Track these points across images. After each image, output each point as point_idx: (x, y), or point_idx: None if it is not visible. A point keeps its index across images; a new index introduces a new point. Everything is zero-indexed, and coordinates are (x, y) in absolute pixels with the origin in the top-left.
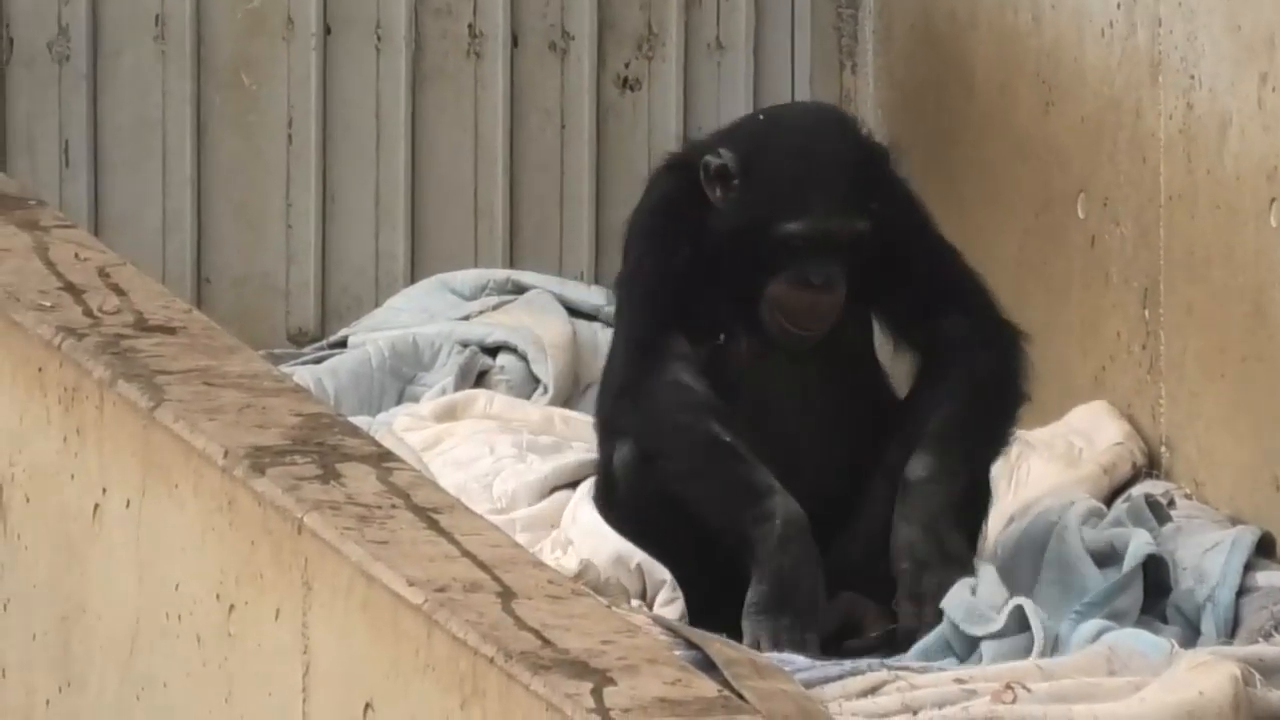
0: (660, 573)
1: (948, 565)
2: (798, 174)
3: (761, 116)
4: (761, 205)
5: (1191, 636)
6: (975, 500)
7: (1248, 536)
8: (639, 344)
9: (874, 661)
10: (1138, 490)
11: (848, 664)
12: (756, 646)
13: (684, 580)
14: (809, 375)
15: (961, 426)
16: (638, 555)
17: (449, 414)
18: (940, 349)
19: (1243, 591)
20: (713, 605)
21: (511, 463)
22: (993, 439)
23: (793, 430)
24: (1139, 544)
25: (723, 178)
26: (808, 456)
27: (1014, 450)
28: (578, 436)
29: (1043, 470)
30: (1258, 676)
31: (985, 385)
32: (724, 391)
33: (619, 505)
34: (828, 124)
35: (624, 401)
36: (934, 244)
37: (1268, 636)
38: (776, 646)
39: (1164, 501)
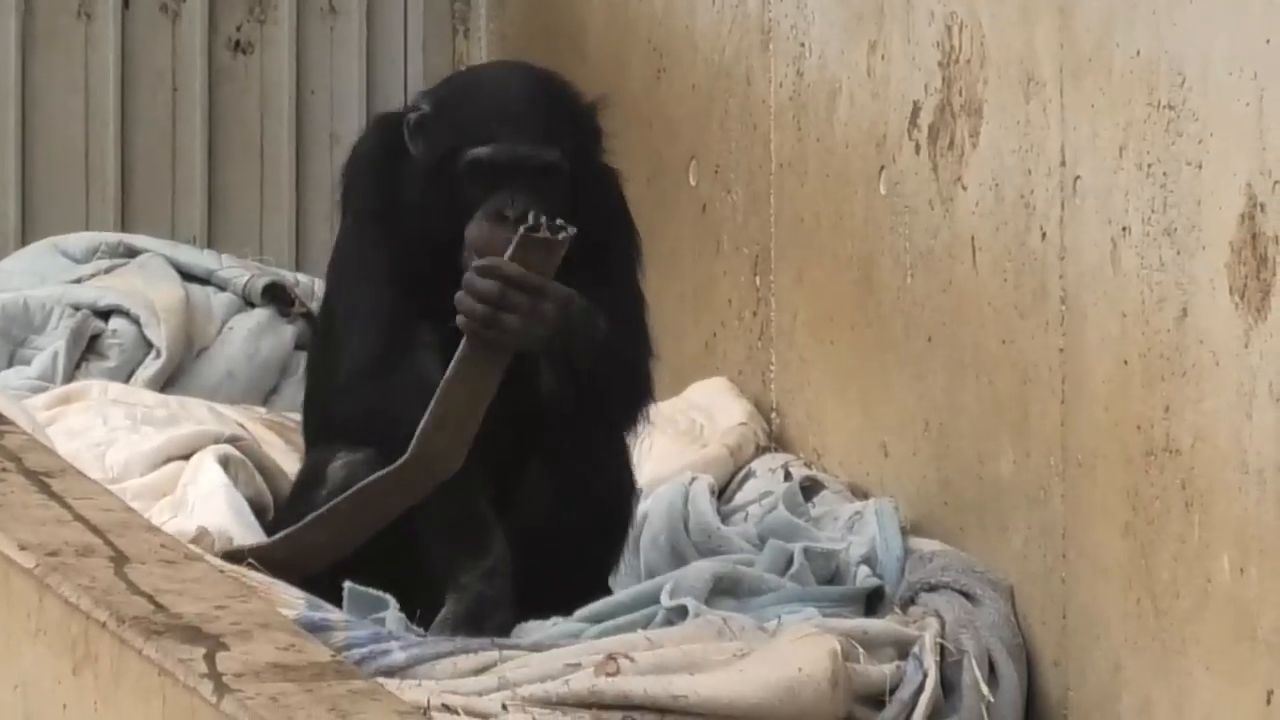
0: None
1: None
2: (487, 105)
3: (464, 69)
4: (452, 137)
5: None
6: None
7: (888, 506)
8: (381, 329)
9: (485, 641)
10: (759, 464)
11: (459, 641)
12: None
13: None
14: None
15: None
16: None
17: (63, 404)
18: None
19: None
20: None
21: (125, 433)
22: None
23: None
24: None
25: (422, 126)
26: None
27: None
28: (192, 418)
29: (666, 446)
30: (860, 650)
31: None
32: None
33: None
34: (528, 71)
35: (367, 392)
36: (624, 281)
37: (905, 606)
38: None
39: (795, 475)
